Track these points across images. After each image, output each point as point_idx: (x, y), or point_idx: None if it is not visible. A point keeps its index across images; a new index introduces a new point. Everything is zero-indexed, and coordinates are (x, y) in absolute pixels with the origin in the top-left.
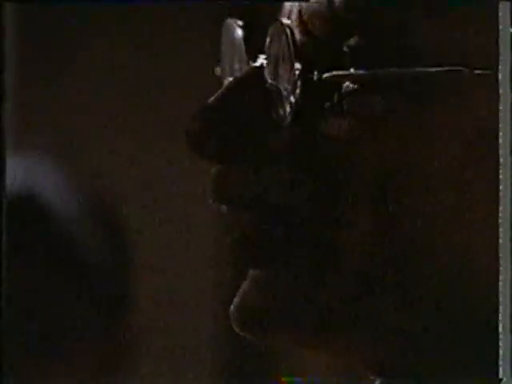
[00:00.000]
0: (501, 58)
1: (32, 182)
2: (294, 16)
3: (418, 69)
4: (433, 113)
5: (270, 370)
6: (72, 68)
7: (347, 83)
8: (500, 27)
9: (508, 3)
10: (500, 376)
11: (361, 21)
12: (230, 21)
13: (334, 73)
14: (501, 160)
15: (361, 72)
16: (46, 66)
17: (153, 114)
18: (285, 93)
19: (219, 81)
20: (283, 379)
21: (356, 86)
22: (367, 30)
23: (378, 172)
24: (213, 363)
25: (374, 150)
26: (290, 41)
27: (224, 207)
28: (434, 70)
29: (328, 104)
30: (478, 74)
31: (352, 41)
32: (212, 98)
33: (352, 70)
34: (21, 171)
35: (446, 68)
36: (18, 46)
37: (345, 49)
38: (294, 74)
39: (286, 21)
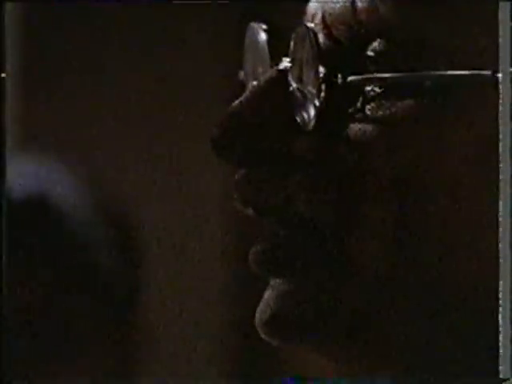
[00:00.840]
0: (501, 57)
1: (42, 184)
2: (318, 20)
3: (441, 72)
4: (456, 116)
5: (279, 371)
6: (86, 69)
7: (371, 88)
8: (500, 27)
9: (508, 3)
10: (500, 376)
11: (384, 25)
12: (253, 24)
13: (358, 76)
14: (501, 160)
15: (385, 75)
16: (59, 67)
17: (166, 117)
18: (309, 96)
19: (242, 85)
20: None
21: (380, 91)
22: (390, 35)
23: (402, 178)
24: (222, 364)
25: (398, 156)
26: (314, 44)
27: (251, 211)
28: (456, 73)
29: (352, 108)
30: (498, 77)
31: (375, 45)
32: (235, 103)
33: (376, 74)
34: (31, 174)
35: (469, 72)
36: (27, 46)
37: (368, 53)
38: (318, 78)
39: (310, 24)
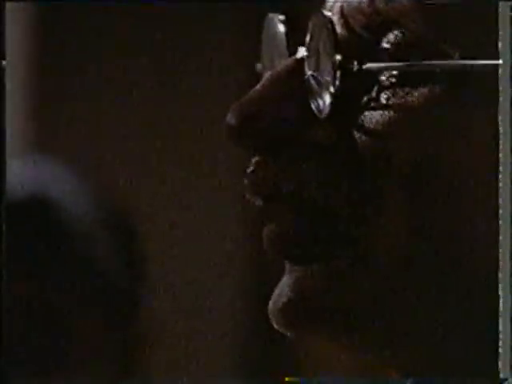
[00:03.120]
0: (501, 57)
1: (45, 187)
2: (336, 10)
3: (456, 62)
4: (470, 105)
5: (291, 368)
6: (91, 70)
7: (386, 76)
8: (500, 27)
9: (508, 3)
10: (500, 376)
11: (401, 16)
12: (271, 15)
13: (374, 64)
14: (500, 159)
15: (400, 64)
16: (64, 69)
17: (170, 117)
18: (324, 84)
19: (258, 77)
20: (287, 379)
21: (395, 79)
22: (407, 25)
23: (416, 165)
24: (235, 363)
25: (411, 144)
26: (331, 33)
27: (259, 201)
28: (471, 63)
29: (367, 96)
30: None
31: (392, 35)
32: (252, 91)
33: (391, 63)
34: (34, 176)
35: (484, 62)
36: (33, 45)
37: (384, 44)
38: (334, 65)
39: (327, 13)
